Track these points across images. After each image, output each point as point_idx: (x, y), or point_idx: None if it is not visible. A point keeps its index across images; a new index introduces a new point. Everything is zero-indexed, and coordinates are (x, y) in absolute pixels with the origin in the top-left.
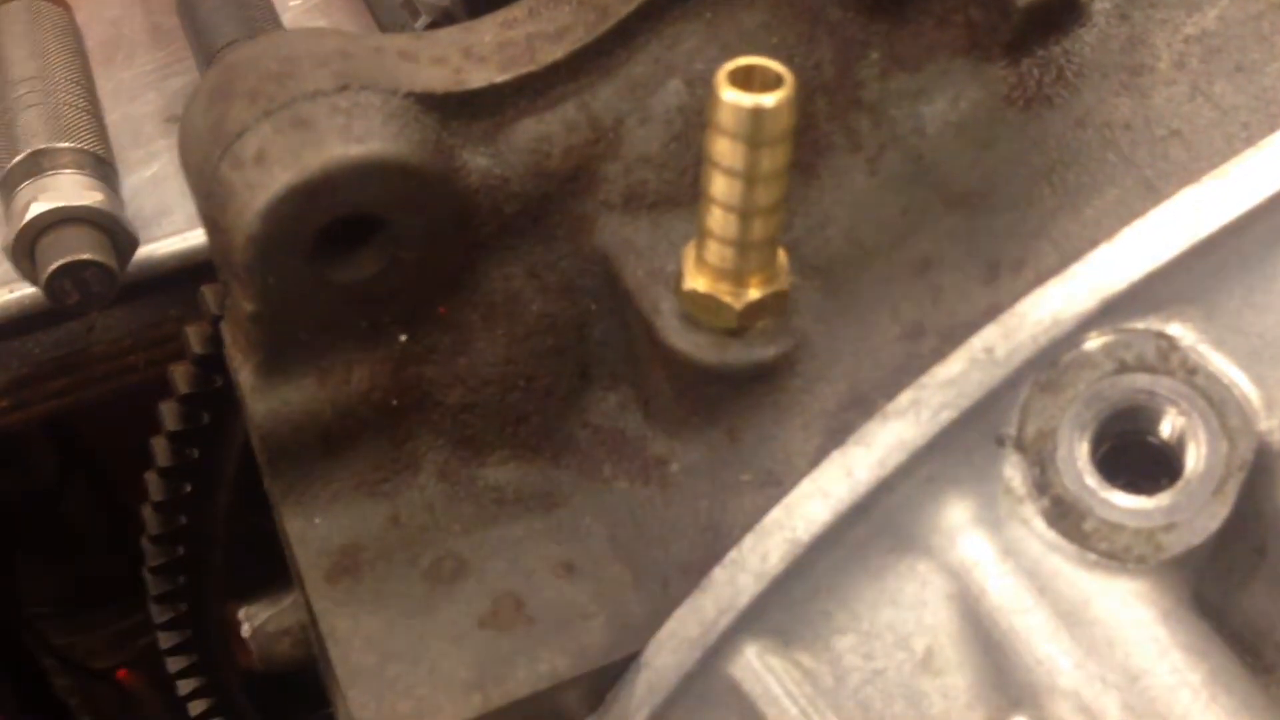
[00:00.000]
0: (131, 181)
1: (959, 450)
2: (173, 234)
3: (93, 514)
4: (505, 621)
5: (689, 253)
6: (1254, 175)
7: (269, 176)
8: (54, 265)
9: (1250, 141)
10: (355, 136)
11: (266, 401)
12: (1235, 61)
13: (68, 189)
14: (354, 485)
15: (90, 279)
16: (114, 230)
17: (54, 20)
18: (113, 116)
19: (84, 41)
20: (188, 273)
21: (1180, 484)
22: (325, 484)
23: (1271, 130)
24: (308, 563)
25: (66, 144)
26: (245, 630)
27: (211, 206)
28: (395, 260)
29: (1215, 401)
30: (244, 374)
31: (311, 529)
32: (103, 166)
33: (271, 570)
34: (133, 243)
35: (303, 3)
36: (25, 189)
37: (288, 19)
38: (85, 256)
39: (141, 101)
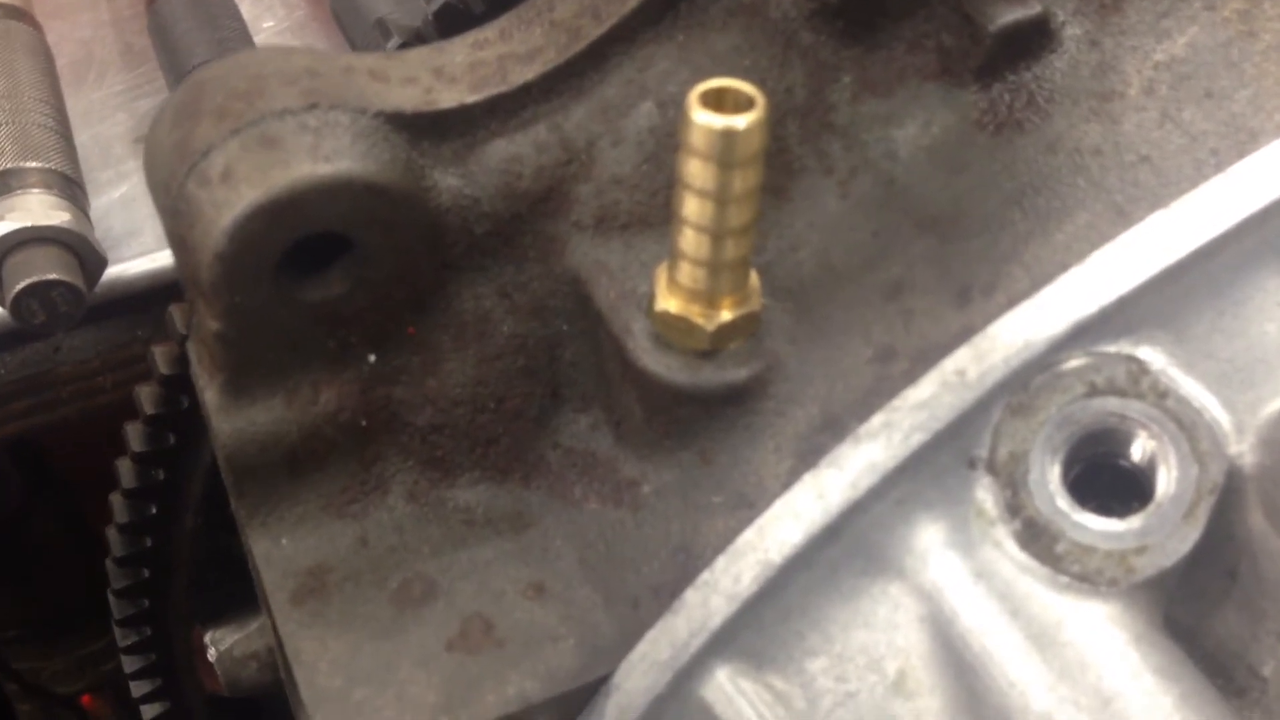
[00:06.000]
0: (101, 202)
1: (931, 472)
2: (141, 254)
3: (58, 536)
4: (474, 644)
5: (661, 274)
6: (1222, 201)
7: (236, 195)
8: (21, 285)
9: (1219, 167)
10: (323, 155)
11: (232, 421)
12: (1204, 88)
13: (35, 209)
14: (321, 506)
15: (57, 299)
16: (82, 250)
17: (24, 40)
18: (83, 137)
19: (55, 61)
20: (156, 293)
21: (1151, 507)
22: (292, 505)
23: (1239, 156)
24: (274, 584)
25: (35, 163)
26: (211, 654)
27: (178, 224)
28: (363, 280)
29: (1186, 425)
30: (209, 393)
31: (278, 550)
32: (71, 186)
33: (238, 593)
34: (101, 263)
35: (276, 25)
36: None
37: (260, 41)
38: (52, 277)
39: (112, 122)
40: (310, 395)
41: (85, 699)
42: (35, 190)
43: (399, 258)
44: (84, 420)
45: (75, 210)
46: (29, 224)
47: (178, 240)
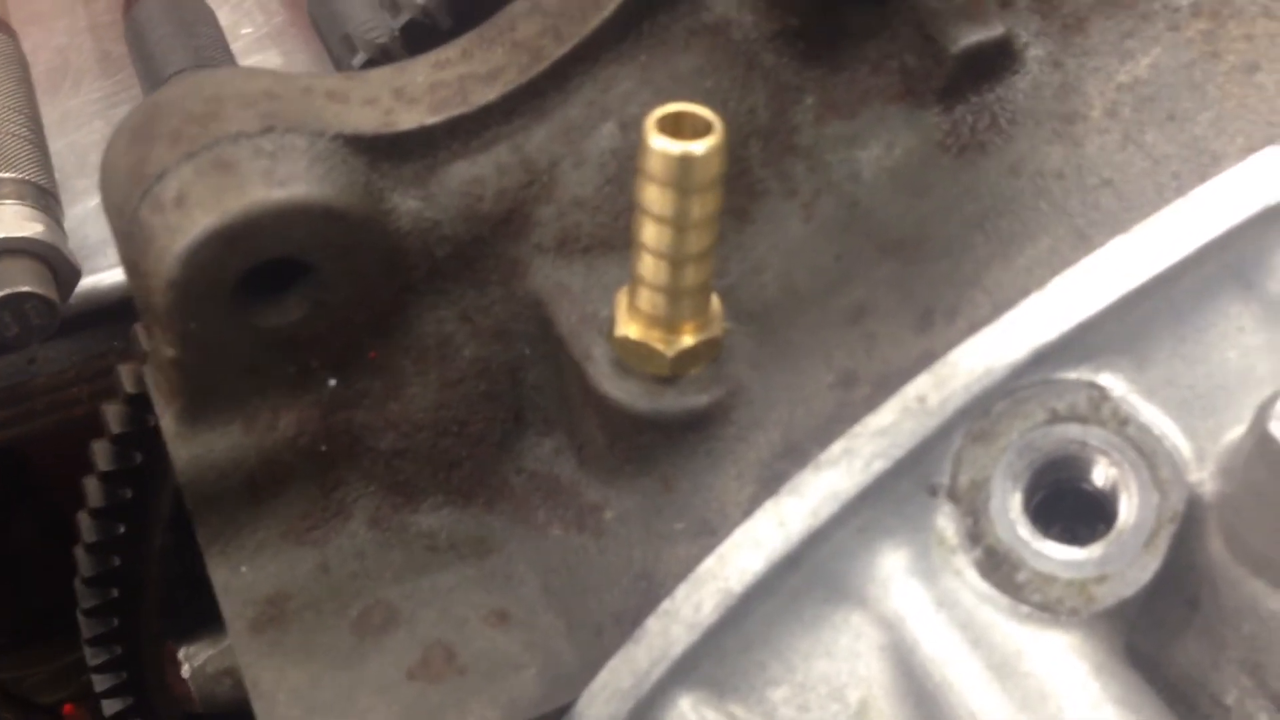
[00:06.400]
0: (76, 210)
1: (892, 500)
2: (117, 265)
3: (38, 546)
4: (435, 673)
5: (621, 299)
6: (1183, 226)
7: (189, 220)
8: None
9: (1181, 191)
10: (278, 180)
11: (189, 448)
12: (1167, 110)
13: (8, 220)
14: (282, 533)
15: (30, 311)
16: (55, 262)
17: None
18: (58, 144)
19: (29, 69)
20: (131, 304)
21: (1112, 535)
22: (252, 532)
23: (1202, 180)
24: (233, 613)
25: (8, 174)
26: (185, 671)
27: (131, 250)
28: (322, 304)
29: (1146, 453)
30: (166, 419)
31: (237, 578)
32: (45, 197)
33: (209, 610)
34: (74, 274)
35: (254, 31)
36: None
37: (238, 48)
38: (25, 289)
39: (88, 129)
40: (269, 420)
41: (67, 708)
42: (8, 201)
43: (358, 282)
44: (61, 431)
45: (49, 221)
46: (1, 235)
47: (131, 266)
